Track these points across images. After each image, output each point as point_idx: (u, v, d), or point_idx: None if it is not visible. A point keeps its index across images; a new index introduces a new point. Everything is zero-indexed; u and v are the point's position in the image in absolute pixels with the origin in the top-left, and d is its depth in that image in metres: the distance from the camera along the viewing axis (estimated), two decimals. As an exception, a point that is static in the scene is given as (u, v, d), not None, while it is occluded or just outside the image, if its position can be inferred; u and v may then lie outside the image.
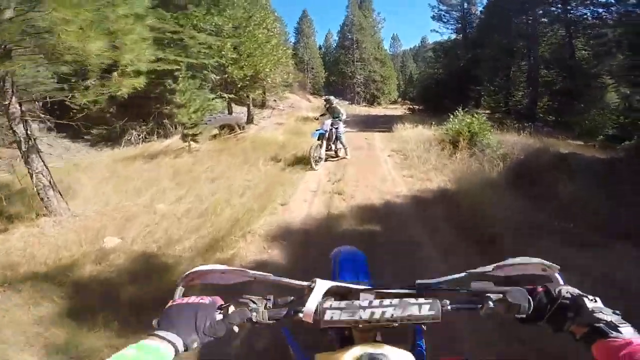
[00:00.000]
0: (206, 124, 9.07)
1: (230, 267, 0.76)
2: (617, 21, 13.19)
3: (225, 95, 12.61)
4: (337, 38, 40.71)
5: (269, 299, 0.72)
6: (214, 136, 9.44)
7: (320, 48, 44.78)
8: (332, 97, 7.48)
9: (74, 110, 10.91)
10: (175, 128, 10.35)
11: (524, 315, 0.66)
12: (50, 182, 4.82)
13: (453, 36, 25.28)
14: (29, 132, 4.60)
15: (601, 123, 13.33)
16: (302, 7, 47.81)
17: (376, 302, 0.68)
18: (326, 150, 6.94)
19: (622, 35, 11.63)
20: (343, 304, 0.68)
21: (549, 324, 0.66)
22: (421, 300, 0.67)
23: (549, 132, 12.82)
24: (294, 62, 32.80)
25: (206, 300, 0.68)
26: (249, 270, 0.75)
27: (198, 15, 10.10)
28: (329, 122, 6.92)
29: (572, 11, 16.87)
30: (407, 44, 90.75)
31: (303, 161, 6.98)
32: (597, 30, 15.31)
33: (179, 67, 7.73)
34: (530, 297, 0.67)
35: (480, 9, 24.26)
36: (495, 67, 19.27)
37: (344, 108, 7.38)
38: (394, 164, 7.08)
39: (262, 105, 21.03)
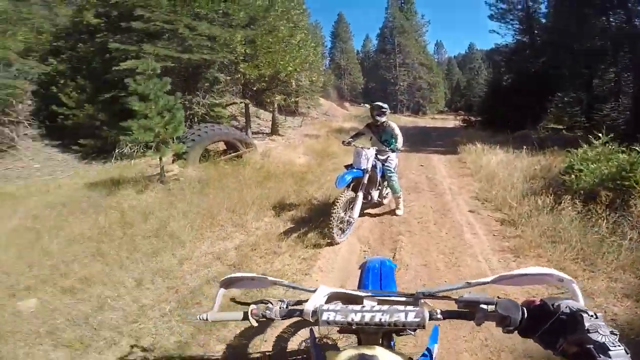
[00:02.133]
0: (187, 140, 6.41)
1: (257, 275, 0.94)
2: None
3: (238, 100, 10.04)
4: (376, 42, 38.05)
5: (283, 301, 0.88)
6: (204, 157, 6.78)
7: (358, 53, 42.27)
8: (385, 106, 4.14)
9: (61, 116, 9.13)
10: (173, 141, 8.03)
11: (512, 328, 0.67)
12: None
13: (516, 38, 21.01)
14: None
15: None
16: (337, 11, 45.68)
17: (368, 307, 0.76)
18: (363, 201, 3.89)
19: None
20: (339, 306, 0.77)
21: (540, 339, 0.65)
22: (409, 307, 0.73)
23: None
24: (331, 67, 30.50)
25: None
26: (268, 277, 0.92)
27: (200, 1, 7.63)
28: (371, 152, 3.82)
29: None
30: (451, 51, 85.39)
31: (322, 215, 4.05)
32: None
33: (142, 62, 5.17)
34: (525, 309, 0.67)
35: (543, 7, 19.93)
36: (575, 74, 14.98)
37: (398, 128, 4.19)
38: (489, 236, 3.81)
39: (293, 112, 18.51)
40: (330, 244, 3.51)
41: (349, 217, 3.62)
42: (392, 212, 4.46)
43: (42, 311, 2.57)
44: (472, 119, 19.18)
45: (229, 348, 2.19)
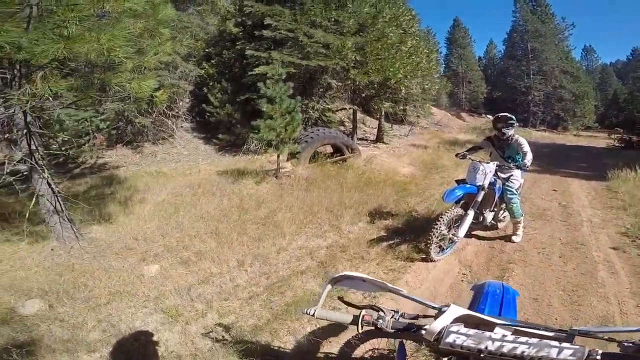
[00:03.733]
0: (301, 141, 6.90)
1: (371, 277, 0.87)
2: None
3: (347, 106, 10.33)
4: (502, 48, 33.71)
5: (397, 311, 0.84)
6: (313, 158, 7.19)
7: (480, 59, 38.34)
8: (512, 118, 3.59)
9: (208, 114, 11.14)
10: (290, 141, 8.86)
11: None
12: (55, 207, 3.65)
13: None
14: (32, 148, 3.43)
15: None
16: (451, 16, 42.22)
17: (511, 337, 0.67)
18: (473, 221, 3.49)
19: None
20: (472, 331, 0.69)
21: None
22: (565, 344, 0.64)
23: None
24: (447, 75, 28.52)
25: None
26: (387, 284, 0.85)
27: (315, 10, 8.15)
28: (491, 167, 3.37)
29: None
30: (607, 58, 69.17)
31: (420, 230, 3.82)
32: None
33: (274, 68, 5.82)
34: None
35: None
36: None
37: (527, 144, 3.57)
38: (634, 277, 2.92)
39: (401, 120, 18.05)
40: (425, 260, 3.28)
41: (453, 234, 3.30)
42: (507, 238, 3.87)
43: (159, 277, 3.09)
44: (634, 138, 15.16)
45: (296, 342, 2.26)
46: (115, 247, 3.71)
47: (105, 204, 4.88)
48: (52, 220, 3.61)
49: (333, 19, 8.38)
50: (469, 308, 1.22)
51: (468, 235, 3.68)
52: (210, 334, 2.36)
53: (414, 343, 1.57)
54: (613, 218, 4.67)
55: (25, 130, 3.39)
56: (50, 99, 3.20)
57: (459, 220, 3.33)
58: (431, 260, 3.26)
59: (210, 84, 10.13)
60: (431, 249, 3.17)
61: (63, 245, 3.62)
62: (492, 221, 3.80)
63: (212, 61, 10.42)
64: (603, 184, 6.77)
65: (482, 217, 3.61)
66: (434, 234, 3.12)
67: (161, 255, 3.52)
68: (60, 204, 3.64)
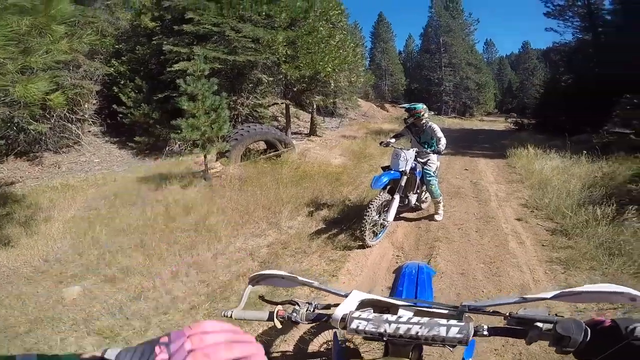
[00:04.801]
0: (231, 139, 6.63)
1: (287, 274, 0.88)
2: None
3: (279, 100, 10.23)
4: (419, 42, 36.80)
5: (311, 303, 0.84)
6: (245, 155, 6.97)
7: (400, 53, 41.24)
8: (422, 106, 3.92)
9: (120, 115, 9.97)
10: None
11: (570, 349, 0.59)
12: None
13: (576, 36, 19.04)
14: None
15: None
16: (377, 11, 44.78)
17: (405, 318, 0.69)
18: (400, 204, 3.74)
19: None
20: (371, 315, 0.71)
21: None
22: (452, 321, 0.66)
23: None
24: (371, 68, 30.09)
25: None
26: (298, 277, 0.87)
27: (244, 3, 7.89)
28: (410, 153, 3.65)
29: None
30: (503, 51, 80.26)
31: (355, 217, 3.97)
32: None
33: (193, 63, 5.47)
34: (589, 330, 0.58)
35: (607, 2, 17.79)
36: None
37: (439, 130, 3.89)
38: (537, 246, 3.46)
39: (331, 113, 18.53)
40: (362, 247, 3.42)
41: (383, 220, 3.50)
42: (431, 218, 4.25)
43: (83, 298, 2.78)
44: (525, 121, 17.81)
45: None
46: (23, 271, 3.24)
47: (1, 227, 4.10)
48: None
49: (264, 13, 8.15)
50: (391, 291, 1.29)
51: (397, 218, 3.95)
52: None
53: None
54: (514, 191, 5.43)
55: None
56: None
57: (387, 205, 3.54)
58: (367, 247, 3.41)
59: (122, 82, 9.16)
60: (365, 235, 3.32)
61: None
62: (417, 203, 4.13)
63: (124, 58, 9.47)
64: (504, 161, 7.84)
65: (407, 200, 3.90)
66: (366, 221, 3.27)
67: (80, 275, 3.14)
68: None
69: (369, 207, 3.31)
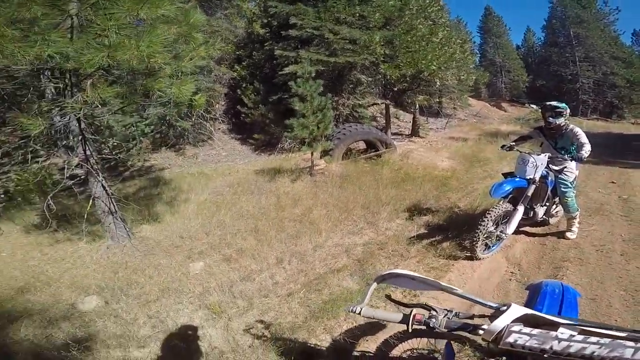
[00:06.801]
0: (334, 138, 6.84)
1: (421, 276, 0.83)
2: None
3: (379, 101, 10.10)
4: (542, 35, 31.79)
5: (451, 311, 0.80)
6: (347, 154, 7.10)
7: (518, 47, 36.01)
8: (565, 106, 3.22)
9: (242, 115, 11.46)
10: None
11: None
12: (109, 208, 3.95)
13: None
14: (87, 153, 3.70)
15: None
16: (482, 6, 39.93)
17: (579, 337, 0.64)
18: (523, 216, 3.24)
19: None
20: (535, 331, 0.66)
21: None
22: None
23: None
24: (483, 64, 26.97)
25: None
26: (440, 282, 0.80)
27: (338, 6, 8.02)
28: (542, 159, 3.11)
29: None
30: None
31: (463, 226, 3.63)
32: None
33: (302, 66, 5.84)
34: None
35: None
36: None
37: (584, 135, 3.18)
38: None
39: (437, 113, 17.37)
40: (470, 258, 3.10)
41: (500, 231, 3.09)
42: (560, 235, 3.58)
43: (203, 274, 3.20)
44: None
45: (332, 340, 2.24)
46: (164, 245, 3.91)
47: (153, 204, 5.17)
48: (107, 220, 3.88)
49: (357, 14, 8.23)
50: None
51: (516, 232, 3.44)
52: (251, 330, 2.40)
53: (456, 343, 1.50)
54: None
55: (80, 137, 3.66)
56: (100, 106, 3.43)
57: (507, 216, 3.11)
58: (476, 259, 3.08)
59: (243, 85, 10.38)
60: (476, 246, 2.99)
61: (117, 243, 3.88)
62: (544, 216, 3.51)
63: (243, 63, 10.67)
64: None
65: (532, 213, 3.35)
66: (480, 231, 2.94)
67: (205, 252, 3.66)
68: (113, 205, 3.91)
69: (486, 216, 2.97)
